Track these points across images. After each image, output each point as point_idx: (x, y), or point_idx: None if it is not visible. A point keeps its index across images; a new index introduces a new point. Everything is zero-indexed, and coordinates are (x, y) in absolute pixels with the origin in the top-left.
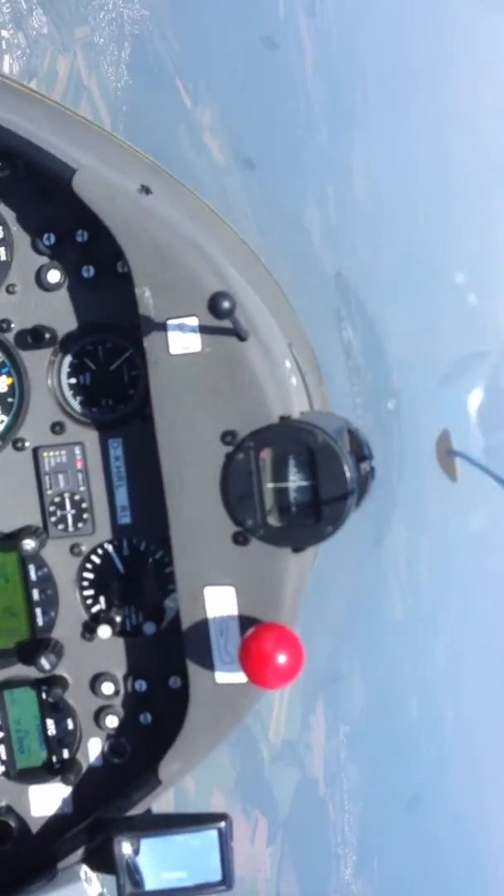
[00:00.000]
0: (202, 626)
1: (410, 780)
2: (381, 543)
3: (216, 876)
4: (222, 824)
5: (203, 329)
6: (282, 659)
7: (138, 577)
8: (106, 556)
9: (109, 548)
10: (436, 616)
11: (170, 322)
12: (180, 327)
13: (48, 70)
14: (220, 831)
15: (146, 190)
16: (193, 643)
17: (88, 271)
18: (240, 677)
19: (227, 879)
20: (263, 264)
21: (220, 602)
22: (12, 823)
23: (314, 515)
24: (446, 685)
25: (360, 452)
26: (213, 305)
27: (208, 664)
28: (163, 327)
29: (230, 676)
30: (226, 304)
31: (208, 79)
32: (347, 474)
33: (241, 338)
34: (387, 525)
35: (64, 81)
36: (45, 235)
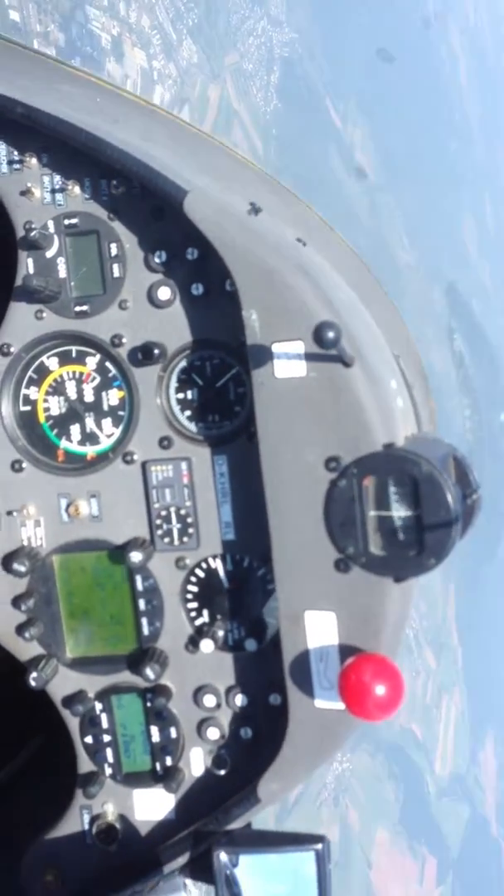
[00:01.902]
0: (302, 649)
1: None
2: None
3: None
4: (320, 846)
5: (308, 355)
6: (381, 690)
7: (241, 592)
8: (209, 571)
9: (213, 563)
10: None
11: (275, 346)
12: (286, 352)
13: (199, 97)
14: (317, 853)
15: (256, 210)
16: (294, 666)
17: (198, 289)
18: (339, 704)
19: None
20: (374, 275)
21: (321, 627)
22: (118, 825)
23: (417, 546)
24: None
25: (466, 480)
26: (319, 336)
27: (308, 688)
28: (269, 351)
29: (329, 703)
30: (331, 335)
31: (359, 97)
32: (451, 506)
33: (347, 364)
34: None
35: (215, 108)
36: (157, 252)
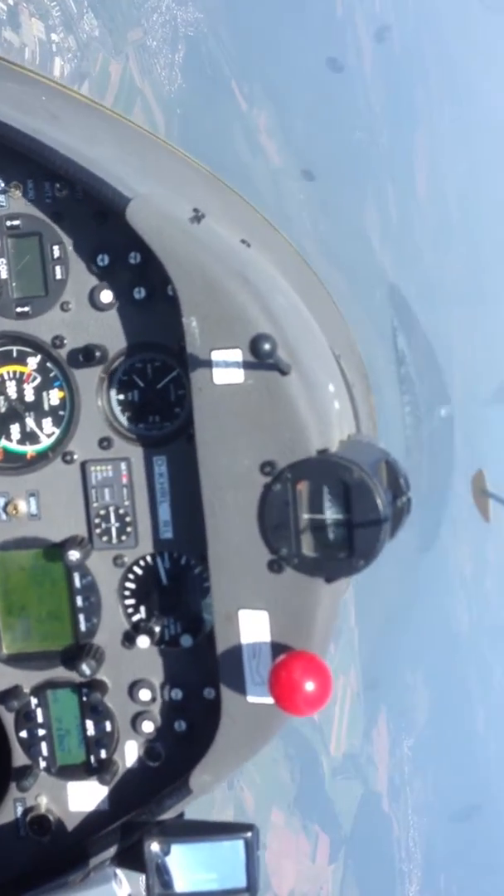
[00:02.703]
0: (235, 646)
1: (478, 792)
2: (429, 552)
3: (242, 883)
4: (249, 834)
5: (246, 363)
6: (310, 687)
7: (177, 590)
8: (147, 569)
9: (151, 560)
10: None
11: (214, 353)
12: (224, 359)
13: (100, 73)
14: (246, 841)
15: (198, 218)
16: (226, 662)
17: (140, 293)
18: (270, 699)
19: (251, 887)
20: (316, 274)
21: (254, 625)
22: (51, 817)
23: (348, 548)
24: None
25: (397, 484)
26: (254, 347)
27: (240, 684)
28: (208, 358)
29: (261, 698)
30: (266, 346)
31: (264, 81)
32: (381, 510)
33: (283, 372)
34: (437, 534)
35: (116, 84)
36: (100, 256)
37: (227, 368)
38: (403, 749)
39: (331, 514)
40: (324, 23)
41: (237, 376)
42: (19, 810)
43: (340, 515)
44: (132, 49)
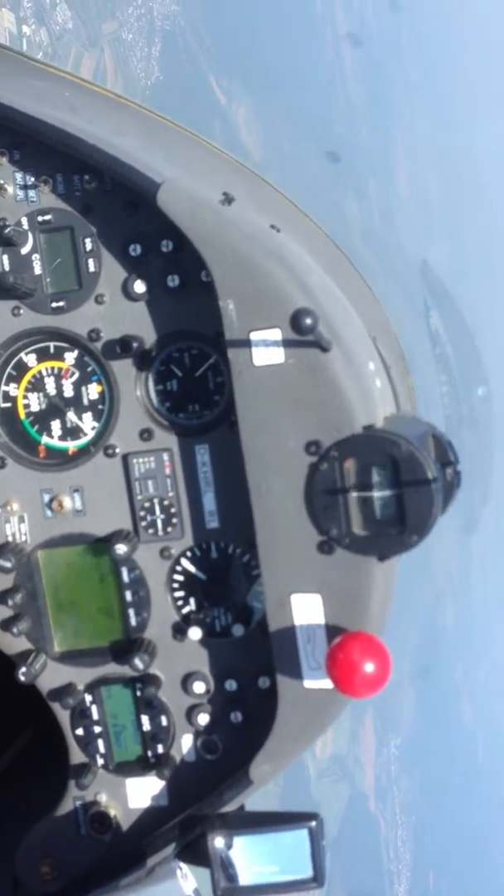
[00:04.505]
0: (289, 632)
1: (466, 790)
2: (473, 534)
3: (308, 873)
4: (313, 823)
5: (286, 342)
6: (369, 668)
7: (226, 579)
8: (195, 559)
9: (198, 551)
10: (489, 621)
11: (253, 334)
12: (263, 339)
13: (72, 67)
14: (311, 830)
15: (229, 200)
16: (281, 648)
17: (174, 280)
18: (327, 683)
19: (318, 876)
20: (348, 257)
21: (307, 609)
22: (111, 814)
23: (399, 524)
24: (502, 689)
25: (445, 457)
26: (296, 322)
27: (296, 670)
28: (246, 339)
29: (318, 682)
30: (308, 321)
31: (243, 75)
32: (432, 483)
33: (324, 349)
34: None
35: (90, 77)
36: (132, 246)
37: (266, 349)
38: (390, 748)
39: (380, 490)
40: (302, 15)
41: (277, 356)
42: (80, 808)
43: (390, 491)
44: (107, 42)
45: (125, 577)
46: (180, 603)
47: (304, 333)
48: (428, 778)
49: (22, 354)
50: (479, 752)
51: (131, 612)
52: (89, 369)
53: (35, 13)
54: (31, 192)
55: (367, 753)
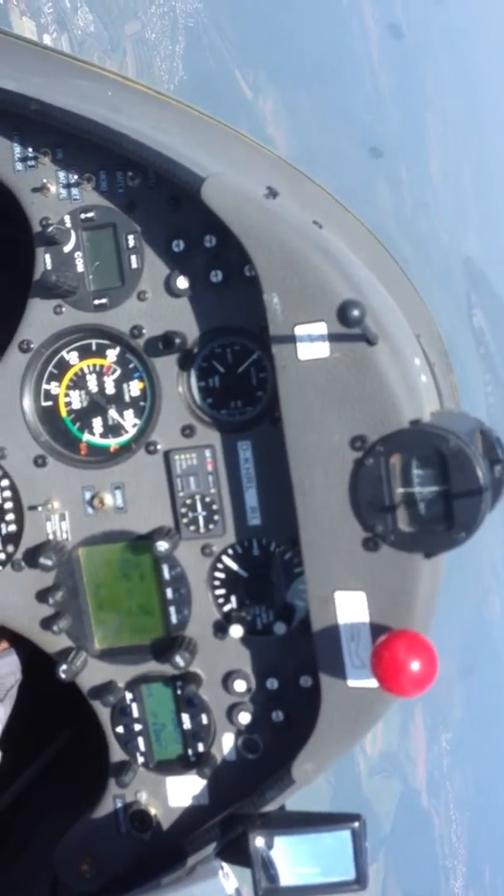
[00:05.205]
0: (333, 630)
1: None
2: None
3: (350, 875)
4: (356, 824)
5: (332, 336)
6: (415, 666)
7: (268, 577)
8: (236, 557)
9: (240, 548)
10: None
11: (298, 328)
12: (308, 334)
13: None
14: (353, 831)
15: (273, 194)
16: (324, 647)
17: (217, 276)
18: (372, 682)
19: (360, 879)
20: (389, 252)
21: (351, 607)
22: (152, 812)
23: (446, 521)
24: None
25: (494, 453)
26: (343, 314)
27: (339, 668)
28: (291, 334)
29: (362, 681)
30: (355, 313)
31: (269, 69)
32: (480, 479)
33: (371, 342)
34: None
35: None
36: (175, 242)
37: (311, 343)
38: (442, 743)
39: (428, 486)
40: (329, 6)
41: (322, 350)
42: (120, 807)
43: (438, 487)
44: (130, 43)
45: (166, 574)
46: (221, 600)
47: (351, 325)
48: (481, 772)
49: (63, 352)
50: None
51: (172, 609)
52: (131, 366)
53: (56, 18)
54: (74, 191)
55: (419, 749)
